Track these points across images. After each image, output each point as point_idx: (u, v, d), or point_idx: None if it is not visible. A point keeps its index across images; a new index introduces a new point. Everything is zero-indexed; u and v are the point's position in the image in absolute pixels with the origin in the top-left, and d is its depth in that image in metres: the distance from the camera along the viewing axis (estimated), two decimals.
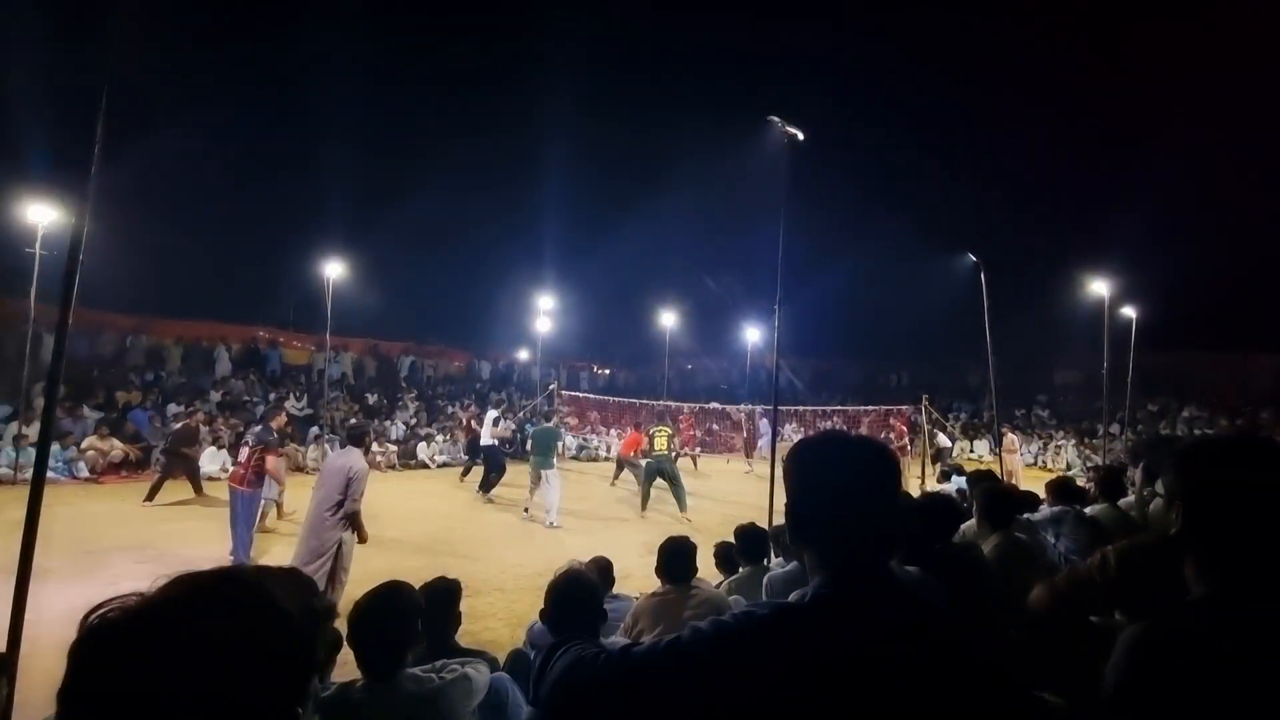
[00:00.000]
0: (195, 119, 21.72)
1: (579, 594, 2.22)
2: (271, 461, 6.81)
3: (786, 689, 0.78)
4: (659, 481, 10.17)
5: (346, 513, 4.85)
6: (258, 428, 7.26)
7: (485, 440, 11.74)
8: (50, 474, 5.21)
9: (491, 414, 12.21)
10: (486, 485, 11.20)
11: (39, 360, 11.81)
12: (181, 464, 9.91)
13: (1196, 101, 22.92)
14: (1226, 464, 1.02)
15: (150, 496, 9.35)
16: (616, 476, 13.33)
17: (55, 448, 10.23)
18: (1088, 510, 3.95)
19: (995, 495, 3.23)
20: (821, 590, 0.88)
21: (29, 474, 3.11)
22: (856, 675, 0.79)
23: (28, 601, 2.84)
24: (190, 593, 0.64)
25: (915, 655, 0.82)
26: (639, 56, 37.96)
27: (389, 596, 1.90)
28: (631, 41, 37.03)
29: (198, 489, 9.87)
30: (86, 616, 0.63)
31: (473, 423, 14.16)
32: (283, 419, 8.01)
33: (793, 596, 0.90)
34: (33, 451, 9.67)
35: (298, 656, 0.66)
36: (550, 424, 10.75)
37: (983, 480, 4.30)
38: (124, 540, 7.23)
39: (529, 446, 10.71)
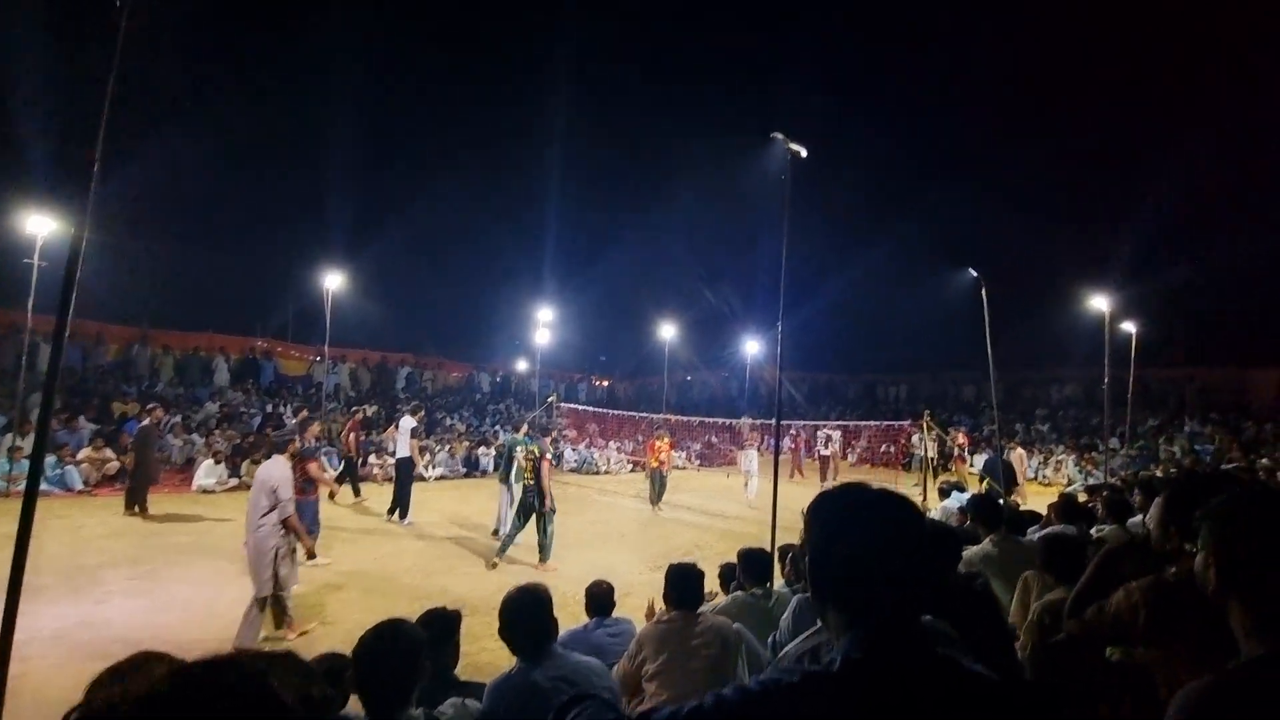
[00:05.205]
0: (194, 129, 21.85)
1: (531, 607, 2.28)
2: (314, 468, 7.40)
3: None
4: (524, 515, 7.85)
5: (280, 519, 5.22)
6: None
7: (402, 453, 9.97)
8: (43, 486, 5.16)
9: (409, 421, 10.11)
10: (402, 509, 9.73)
11: (35, 371, 11.78)
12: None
13: (1197, 114, 23.13)
14: (1262, 527, 1.03)
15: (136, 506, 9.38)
16: (659, 496, 12.23)
17: (49, 459, 10.13)
18: (1094, 531, 3.91)
19: (984, 499, 4.31)
20: (852, 654, 0.83)
21: (23, 486, 3.04)
22: None
23: (17, 621, 2.77)
24: (186, 689, 0.58)
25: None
26: (641, 70, 38.38)
27: (391, 636, 1.82)
28: (634, 55, 37.49)
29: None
30: (67, 717, 0.57)
31: (352, 435, 11.99)
32: (316, 429, 8.59)
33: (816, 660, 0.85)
34: (26, 464, 9.63)
35: None
36: (519, 434, 9.06)
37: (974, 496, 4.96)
38: (116, 556, 7.14)
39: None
